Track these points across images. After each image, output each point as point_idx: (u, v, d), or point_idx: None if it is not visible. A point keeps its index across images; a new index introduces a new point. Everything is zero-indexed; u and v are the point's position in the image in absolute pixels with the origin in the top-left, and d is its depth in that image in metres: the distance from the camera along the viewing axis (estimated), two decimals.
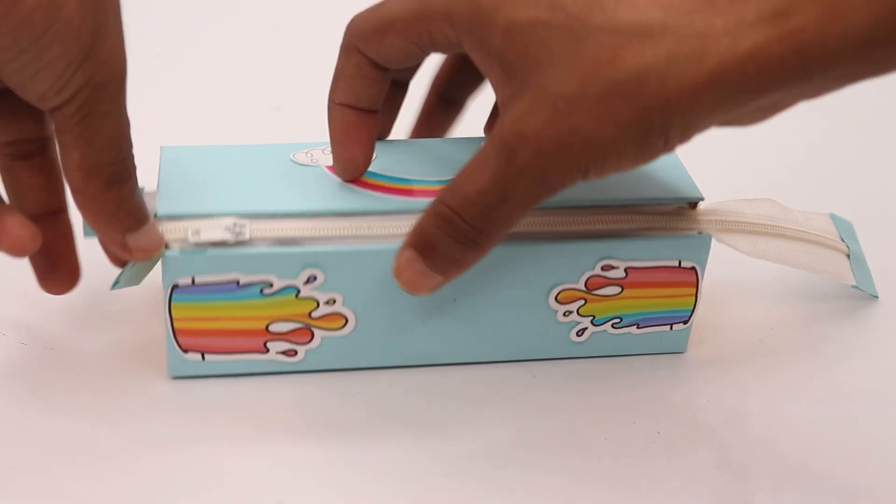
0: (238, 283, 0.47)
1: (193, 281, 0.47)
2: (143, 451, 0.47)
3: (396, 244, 0.46)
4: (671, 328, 0.52)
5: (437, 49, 0.47)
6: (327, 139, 0.50)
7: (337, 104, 0.49)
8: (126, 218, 0.45)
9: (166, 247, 0.47)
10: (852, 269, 0.56)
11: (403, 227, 0.47)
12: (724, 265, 0.55)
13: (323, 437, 0.49)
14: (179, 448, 0.48)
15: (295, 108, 0.73)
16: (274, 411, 0.50)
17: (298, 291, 0.48)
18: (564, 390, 0.52)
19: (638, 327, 0.52)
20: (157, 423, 0.49)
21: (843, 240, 0.56)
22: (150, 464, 0.47)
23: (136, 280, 0.48)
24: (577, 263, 0.49)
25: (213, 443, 0.48)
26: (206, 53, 0.79)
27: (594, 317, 0.51)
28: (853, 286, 0.56)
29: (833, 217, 0.57)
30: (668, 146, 0.41)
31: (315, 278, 0.48)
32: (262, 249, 0.47)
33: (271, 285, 0.48)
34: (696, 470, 0.49)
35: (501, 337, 0.51)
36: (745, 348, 0.55)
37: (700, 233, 0.50)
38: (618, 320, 0.51)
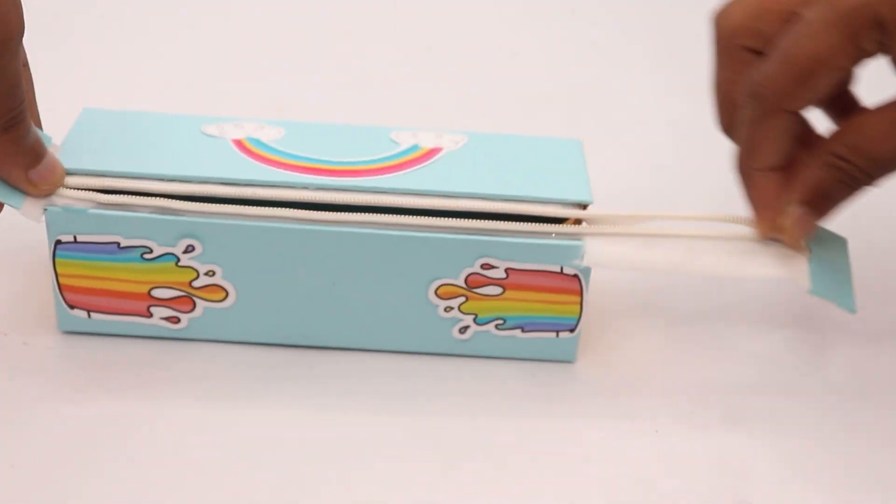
0: (119, 245, 0.49)
1: (76, 239, 0.49)
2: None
3: (276, 223, 0.48)
4: (558, 335, 0.52)
5: (860, 63, 0.47)
6: (240, 115, 0.52)
7: (759, 169, 0.49)
8: (24, 156, 0.47)
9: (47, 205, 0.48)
10: (811, 273, 0.51)
11: (283, 212, 0.48)
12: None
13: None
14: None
15: (299, 109, 0.74)
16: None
17: (178, 260, 0.49)
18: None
19: (523, 331, 0.51)
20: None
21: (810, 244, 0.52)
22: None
23: None
24: (455, 258, 0.49)
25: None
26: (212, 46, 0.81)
27: (476, 315, 0.51)
28: (810, 291, 0.52)
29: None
30: None
31: (193, 248, 0.49)
32: (141, 214, 0.48)
33: (151, 251, 0.49)
34: (696, 470, 0.49)
35: (383, 326, 0.51)
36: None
37: (580, 240, 0.49)
38: (501, 321, 0.51)
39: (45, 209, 0.48)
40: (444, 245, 0.49)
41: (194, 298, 0.50)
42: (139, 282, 0.50)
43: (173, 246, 0.49)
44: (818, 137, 0.49)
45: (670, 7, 0.85)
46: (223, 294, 0.50)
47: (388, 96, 0.75)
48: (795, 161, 0.48)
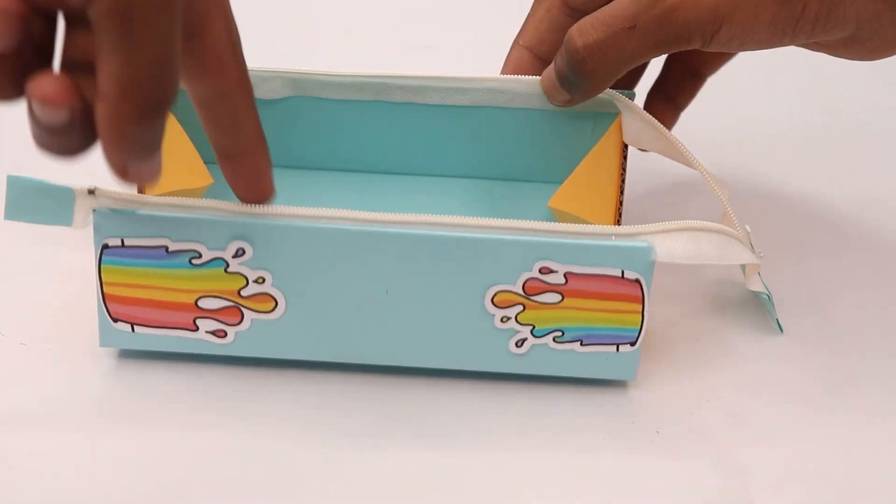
0: (167, 249, 0.47)
1: (123, 243, 0.47)
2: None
3: (329, 223, 0.47)
4: (618, 349, 0.50)
5: None
6: None
7: (520, 45, 0.54)
8: (142, 147, 0.38)
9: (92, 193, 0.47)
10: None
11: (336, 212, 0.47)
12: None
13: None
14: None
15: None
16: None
17: (227, 265, 0.48)
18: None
19: (582, 344, 0.50)
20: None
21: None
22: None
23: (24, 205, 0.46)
24: (513, 261, 0.48)
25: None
26: None
27: (534, 326, 0.49)
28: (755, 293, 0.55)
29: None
30: (804, 20, 0.46)
31: (243, 252, 0.47)
32: (191, 215, 0.47)
33: (200, 255, 0.48)
34: (697, 470, 0.49)
35: (437, 341, 0.49)
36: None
37: (645, 241, 0.48)
38: (559, 333, 0.49)
39: (94, 210, 0.47)
40: (501, 247, 0.47)
41: (242, 309, 0.49)
42: (186, 290, 0.48)
43: (223, 249, 0.47)
44: None
45: None
46: (272, 304, 0.48)
47: None
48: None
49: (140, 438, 0.48)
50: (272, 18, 0.78)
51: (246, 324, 0.49)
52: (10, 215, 0.46)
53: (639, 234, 0.48)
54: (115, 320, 0.49)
